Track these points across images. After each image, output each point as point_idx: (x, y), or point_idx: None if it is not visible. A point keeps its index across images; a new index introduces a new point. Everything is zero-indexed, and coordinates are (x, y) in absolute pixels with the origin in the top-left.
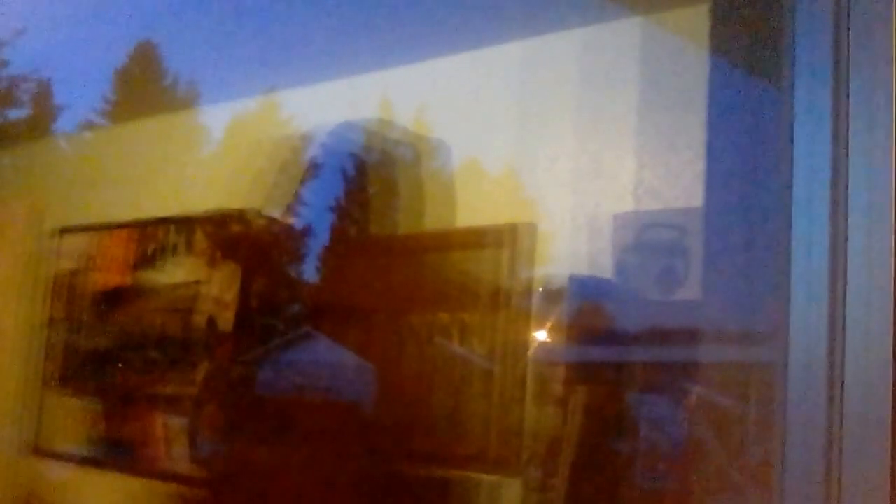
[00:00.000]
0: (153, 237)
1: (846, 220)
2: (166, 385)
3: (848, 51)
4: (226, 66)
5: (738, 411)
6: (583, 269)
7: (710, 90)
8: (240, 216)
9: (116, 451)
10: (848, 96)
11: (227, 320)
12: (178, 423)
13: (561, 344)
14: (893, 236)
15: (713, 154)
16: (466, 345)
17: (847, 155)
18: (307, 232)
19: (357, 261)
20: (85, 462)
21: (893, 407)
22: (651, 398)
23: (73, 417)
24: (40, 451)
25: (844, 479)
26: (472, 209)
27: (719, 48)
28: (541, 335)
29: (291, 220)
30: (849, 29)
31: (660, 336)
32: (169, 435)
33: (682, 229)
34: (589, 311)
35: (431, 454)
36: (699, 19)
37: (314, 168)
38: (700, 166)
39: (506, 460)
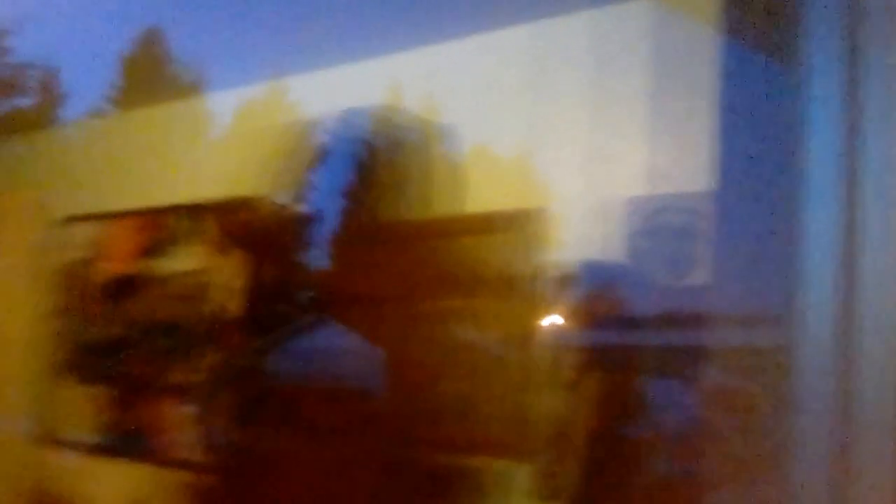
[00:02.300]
0: (161, 225)
1: (859, 203)
2: (176, 373)
3: (863, 31)
4: (232, 51)
5: (750, 395)
6: (594, 254)
7: (723, 72)
8: (248, 203)
9: (126, 440)
10: (862, 77)
11: (236, 308)
12: (187, 411)
13: (572, 329)
14: None
15: (725, 137)
16: (478, 331)
17: (861, 137)
18: (316, 219)
19: (367, 247)
20: (94, 450)
21: None
22: (662, 383)
23: (82, 406)
24: (51, 440)
25: (855, 462)
26: (483, 194)
27: (731, 30)
28: (552, 320)
29: (300, 207)
30: (863, 9)
31: (671, 320)
32: (179, 423)
33: (694, 213)
34: (600, 295)
35: (442, 440)
36: (711, 0)
37: (322, 154)
38: (712, 149)
39: (517, 446)
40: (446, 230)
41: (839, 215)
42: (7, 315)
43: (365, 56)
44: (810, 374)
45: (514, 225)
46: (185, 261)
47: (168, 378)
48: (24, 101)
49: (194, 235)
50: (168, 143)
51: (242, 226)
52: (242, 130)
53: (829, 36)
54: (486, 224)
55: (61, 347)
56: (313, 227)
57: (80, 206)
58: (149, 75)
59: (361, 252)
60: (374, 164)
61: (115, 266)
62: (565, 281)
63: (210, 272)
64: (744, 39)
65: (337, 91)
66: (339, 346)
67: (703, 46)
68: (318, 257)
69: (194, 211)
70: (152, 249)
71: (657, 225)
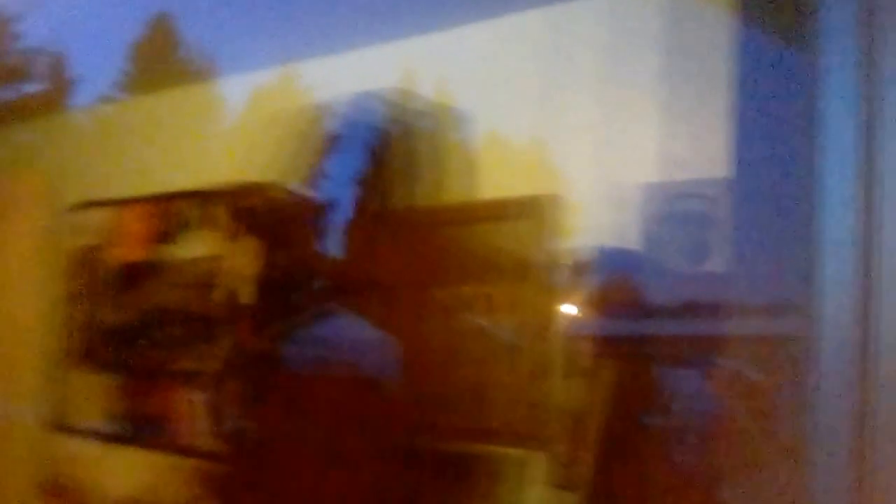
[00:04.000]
0: (172, 211)
1: (876, 188)
2: (188, 360)
3: (875, 14)
4: (244, 36)
5: (768, 385)
6: (609, 241)
7: (737, 57)
8: (260, 189)
9: (139, 427)
10: (876, 60)
11: (248, 295)
12: (200, 398)
13: (587, 317)
14: None
15: (740, 122)
16: (492, 319)
17: (878, 123)
18: (328, 205)
19: (379, 234)
20: (108, 438)
21: None
22: (678, 371)
23: (95, 393)
24: (63, 427)
25: (875, 452)
26: (496, 181)
27: (746, 13)
28: (567, 308)
29: (312, 193)
30: None
31: (687, 308)
32: (191, 410)
33: (710, 199)
34: (616, 283)
35: (458, 429)
36: None
37: (335, 140)
38: (727, 135)
39: (532, 435)
40: (460, 217)
41: (857, 201)
42: (19, 301)
43: (378, 41)
44: (829, 361)
45: (529, 212)
46: (196, 247)
47: (180, 365)
48: (35, 87)
49: (206, 222)
50: (179, 129)
51: (254, 212)
52: (254, 116)
53: (842, 18)
54: (500, 211)
55: (73, 334)
56: (325, 213)
57: (92, 192)
58: (159, 60)
59: (374, 239)
60: (386, 150)
61: (126, 252)
62: (580, 268)
63: (222, 259)
64: (760, 25)
65: (349, 76)
66: (352, 334)
67: (718, 32)
68: (330, 244)
69: (206, 197)
70: (164, 236)
71: (672, 211)
